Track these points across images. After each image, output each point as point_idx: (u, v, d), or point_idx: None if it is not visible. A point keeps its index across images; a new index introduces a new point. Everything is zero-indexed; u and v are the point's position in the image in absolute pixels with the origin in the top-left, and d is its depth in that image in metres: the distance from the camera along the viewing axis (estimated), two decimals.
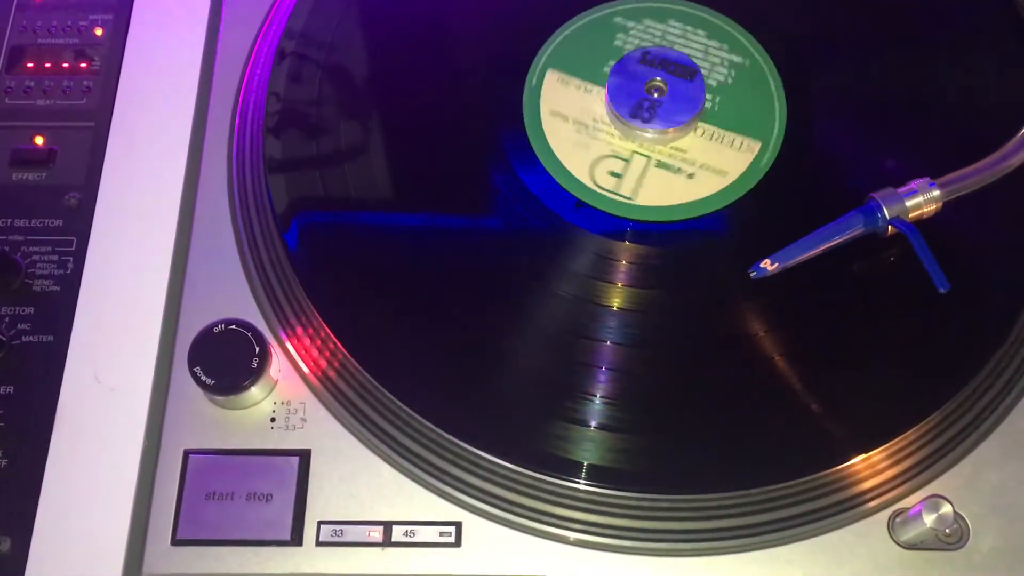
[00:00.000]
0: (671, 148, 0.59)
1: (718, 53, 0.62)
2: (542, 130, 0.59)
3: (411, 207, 0.58)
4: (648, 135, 0.59)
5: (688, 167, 0.58)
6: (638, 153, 0.59)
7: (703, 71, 0.60)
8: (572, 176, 0.58)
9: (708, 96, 0.60)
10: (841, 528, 0.50)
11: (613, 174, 0.58)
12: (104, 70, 0.62)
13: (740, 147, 0.59)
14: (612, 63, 0.61)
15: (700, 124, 0.60)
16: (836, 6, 0.64)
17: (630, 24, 0.63)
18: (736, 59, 0.61)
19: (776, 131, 0.59)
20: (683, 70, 0.60)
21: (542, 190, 0.58)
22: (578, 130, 0.60)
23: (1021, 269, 0.54)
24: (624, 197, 0.57)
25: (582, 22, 0.63)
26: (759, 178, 0.58)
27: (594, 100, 0.60)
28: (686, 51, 0.61)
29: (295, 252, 0.55)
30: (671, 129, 0.58)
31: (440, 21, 0.64)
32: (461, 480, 0.51)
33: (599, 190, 0.58)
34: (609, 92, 0.59)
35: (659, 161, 0.59)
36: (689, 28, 0.62)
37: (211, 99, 0.62)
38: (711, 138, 0.59)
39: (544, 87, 0.61)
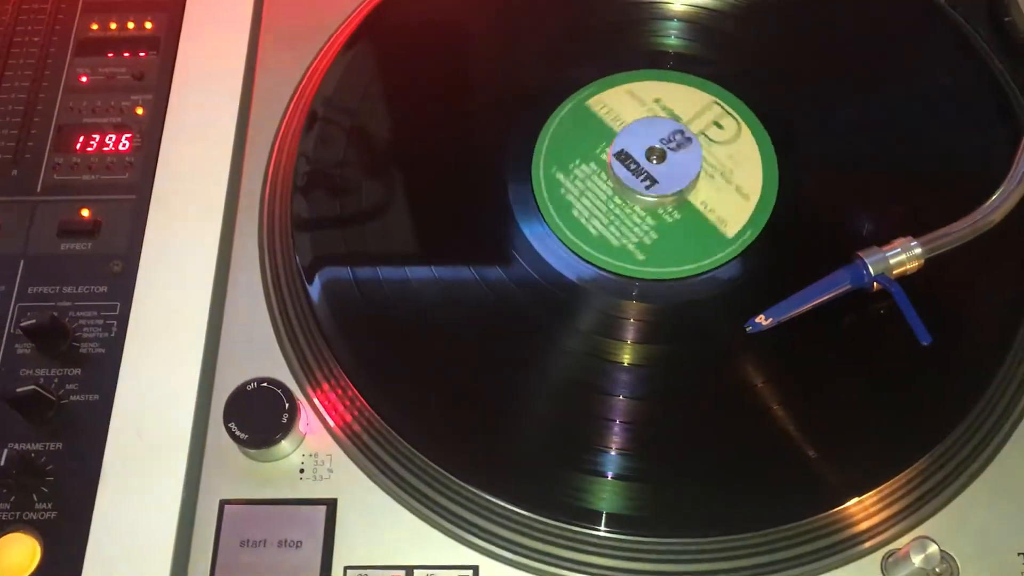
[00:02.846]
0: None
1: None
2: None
3: (433, 267, 0.61)
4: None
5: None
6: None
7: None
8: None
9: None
10: (838, 568, 0.53)
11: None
12: (145, 146, 0.65)
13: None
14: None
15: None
16: (821, 71, 0.67)
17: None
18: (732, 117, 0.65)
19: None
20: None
21: (552, 252, 0.61)
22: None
23: (1002, 319, 0.57)
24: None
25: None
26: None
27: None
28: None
29: (320, 310, 0.58)
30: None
31: (456, 93, 0.68)
32: (479, 527, 0.54)
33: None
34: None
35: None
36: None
37: (243, 170, 0.65)
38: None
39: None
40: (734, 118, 0.66)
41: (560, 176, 0.64)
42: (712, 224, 0.62)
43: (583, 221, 0.62)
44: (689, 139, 0.64)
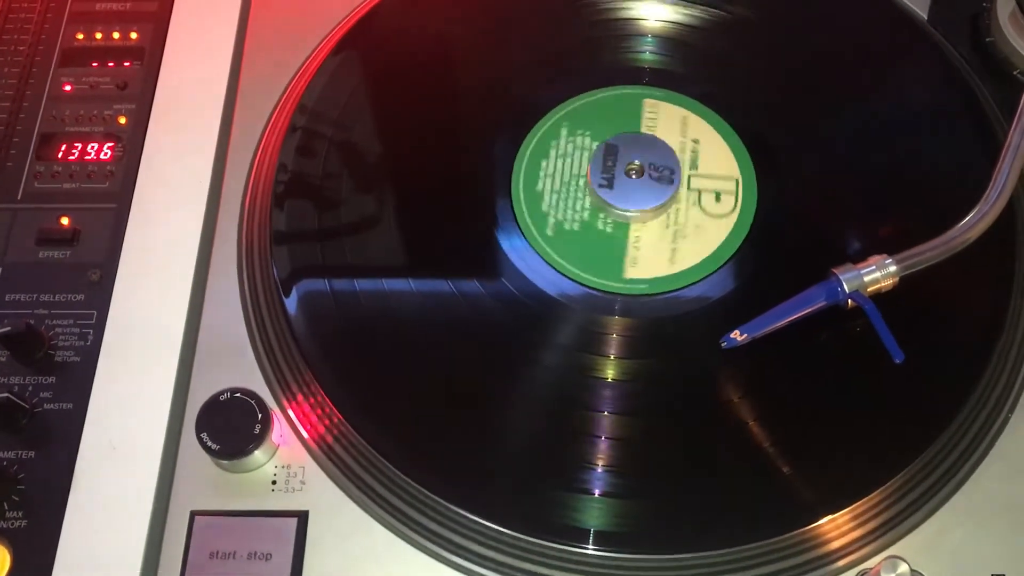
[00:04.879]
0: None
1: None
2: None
3: (411, 280, 0.61)
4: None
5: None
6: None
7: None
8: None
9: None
10: None
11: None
12: (126, 156, 0.65)
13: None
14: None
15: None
16: (803, 90, 0.68)
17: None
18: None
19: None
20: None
21: (531, 267, 0.61)
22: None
23: (978, 338, 0.57)
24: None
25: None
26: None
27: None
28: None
29: (295, 322, 0.58)
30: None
31: (437, 107, 0.68)
32: (451, 542, 0.54)
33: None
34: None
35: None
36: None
37: (224, 181, 0.65)
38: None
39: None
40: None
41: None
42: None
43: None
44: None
